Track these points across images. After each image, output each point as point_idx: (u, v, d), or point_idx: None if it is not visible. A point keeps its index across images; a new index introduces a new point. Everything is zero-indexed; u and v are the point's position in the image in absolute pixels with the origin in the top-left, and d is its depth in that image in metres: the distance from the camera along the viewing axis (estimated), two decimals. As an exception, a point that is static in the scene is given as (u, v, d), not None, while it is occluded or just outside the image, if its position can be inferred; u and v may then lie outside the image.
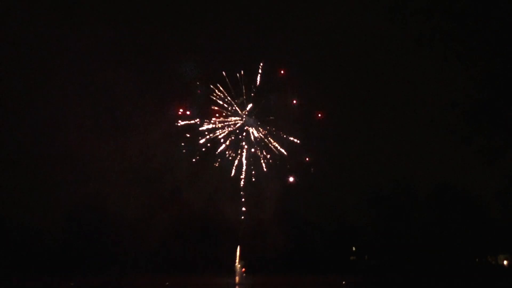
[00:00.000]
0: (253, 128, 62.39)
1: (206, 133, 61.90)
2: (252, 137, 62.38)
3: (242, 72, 61.14)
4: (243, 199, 61.88)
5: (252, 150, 62.21)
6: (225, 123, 62.14)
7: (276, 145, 62.22)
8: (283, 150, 61.99)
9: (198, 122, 61.59)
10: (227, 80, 61.49)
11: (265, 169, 62.16)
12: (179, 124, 61.12)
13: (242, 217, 62.04)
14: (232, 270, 59.20)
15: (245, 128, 62.39)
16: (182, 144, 61.44)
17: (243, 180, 61.43)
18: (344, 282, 53.13)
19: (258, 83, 61.07)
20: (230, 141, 62.19)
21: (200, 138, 61.99)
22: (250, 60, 62.22)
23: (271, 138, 62.48)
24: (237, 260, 59.67)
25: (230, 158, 61.61)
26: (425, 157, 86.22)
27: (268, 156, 62.39)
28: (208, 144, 61.74)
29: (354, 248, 73.49)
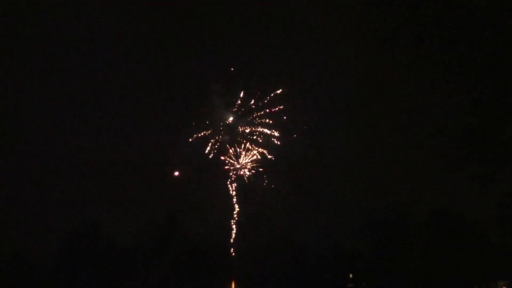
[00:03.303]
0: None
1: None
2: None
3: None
4: (235, 225, 61.00)
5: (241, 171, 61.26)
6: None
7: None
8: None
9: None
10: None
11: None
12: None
13: (236, 245, 61.07)
14: None
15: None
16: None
17: (237, 205, 60.61)
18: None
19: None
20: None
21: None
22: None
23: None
24: None
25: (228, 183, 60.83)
26: (423, 182, 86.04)
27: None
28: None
29: (351, 275, 72.22)
